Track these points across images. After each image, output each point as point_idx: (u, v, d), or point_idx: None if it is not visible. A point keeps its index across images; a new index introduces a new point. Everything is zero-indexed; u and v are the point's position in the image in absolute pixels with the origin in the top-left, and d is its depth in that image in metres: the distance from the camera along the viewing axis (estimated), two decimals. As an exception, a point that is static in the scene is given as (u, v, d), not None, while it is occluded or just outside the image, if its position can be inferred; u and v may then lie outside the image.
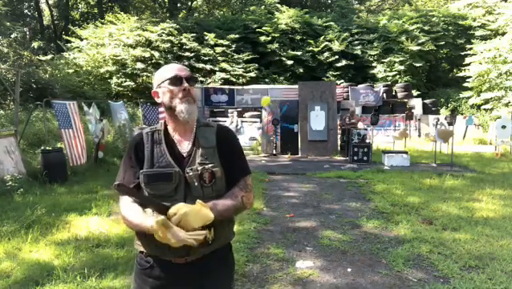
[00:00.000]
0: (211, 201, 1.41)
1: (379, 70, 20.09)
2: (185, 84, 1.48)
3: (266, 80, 19.71)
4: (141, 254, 1.53)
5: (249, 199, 1.55)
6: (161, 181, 1.44)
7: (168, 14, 26.23)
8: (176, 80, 1.49)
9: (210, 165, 1.46)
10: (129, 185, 1.48)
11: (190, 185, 1.45)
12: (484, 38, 19.62)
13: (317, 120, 11.56)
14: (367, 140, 10.24)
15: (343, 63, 20.01)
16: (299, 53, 20.31)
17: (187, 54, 19.71)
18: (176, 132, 1.54)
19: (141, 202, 1.42)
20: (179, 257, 1.44)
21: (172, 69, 1.52)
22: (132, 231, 1.56)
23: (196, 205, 1.35)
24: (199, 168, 1.45)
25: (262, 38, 20.64)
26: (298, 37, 21.20)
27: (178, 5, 29.64)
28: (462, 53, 19.53)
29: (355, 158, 10.00)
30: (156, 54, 19.25)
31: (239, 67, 19.47)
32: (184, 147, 1.52)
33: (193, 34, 20.30)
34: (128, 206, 1.47)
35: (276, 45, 20.51)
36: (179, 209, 1.33)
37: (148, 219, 1.37)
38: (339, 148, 11.64)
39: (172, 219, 1.31)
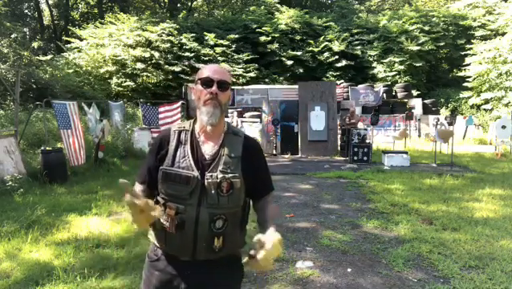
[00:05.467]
0: (270, 224, 1.46)
1: (379, 70, 20.09)
2: (214, 88, 1.45)
3: (266, 80, 19.71)
4: (153, 246, 1.56)
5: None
6: (178, 183, 1.43)
7: (168, 14, 26.22)
8: (206, 82, 1.47)
9: (231, 175, 1.44)
10: (149, 185, 1.54)
11: (207, 192, 1.42)
12: (484, 38, 19.60)
13: (317, 120, 11.56)
14: (367, 140, 10.24)
15: (343, 63, 20.01)
16: (299, 53, 20.31)
17: (187, 54, 19.71)
18: (202, 133, 1.52)
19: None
20: (185, 256, 1.45)
21: (209, 69, 1.49)
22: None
23: (277, 238, 1.36)
24: (219, 176, 1.43)
25: (262, 38, 20.63)
26: (298, 37, 21.19)
27: (178, 5, 29.64)
28: (462, 53, 19.52)
29: (355, 158, 10.00)
30: (156, 54, 19.26)
31: (239, 67, 19.47)
32: (208, 149, 1.49)
33: (192, 34, 20.29)
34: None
35: (276, 45, 20.51)
36: (273, 249, 1.34)
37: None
38: (339, 148, 11.63)
39: (265, 252, 1.33)
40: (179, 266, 1.47)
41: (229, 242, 1.47)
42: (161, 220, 1.44)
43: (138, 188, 1.53)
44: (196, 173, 1.43)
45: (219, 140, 1.51)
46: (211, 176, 1.43)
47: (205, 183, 1.42)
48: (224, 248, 1.45)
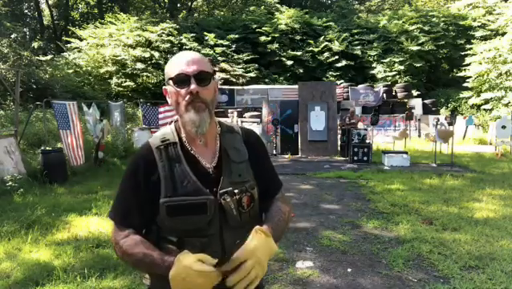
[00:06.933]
0: (265, 225, 1.15)
1: (379, 70, 20.11)
2: (193, 86, 1.11)
3: (266, 80, 19.73)
4: None
5: (290, 214, 1.31)
6: (192, 214, 1.11)
7: (168, 14, 26.24)
8: (180, 80, 1.13)
9: (248, 185, 1.18)
10: (138, 227, 1.18)
11: (226, 213, 1.14)
12: (484, 38, 19.63)
13: (317, 120, 11.56)
14: (367, 141, 10.24)
15: (343, 63, 20.03)
16: (299, 53, 20.33)
17: (187, 54, 19.71)
18: (192, 144, 1.20)
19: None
20: None
21: (180, 63, 1.14)
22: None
23: (258, 234, 1.08)
24: (235, 190, 1.15)
25: (262, 38, 20.67)
26: (298, 37, 21.21)
27: (178, 5, 29.66)
28: (462, 53, 19.54)
29: (355, 158, 10.00)
30: (156, 54, 19.27)
31: (239, 67, 19.49)
32: (208, 160, 1.19)
33: (192, 34, 20.32)
34: (132, 237, 1.15)
35: (276, 45, 20.53)
36: (247, 250, 1.04)
37: (166, 256, 1.06)
38: (339, 148, 11.64)
39: (244, 266, 1.02)
40: None
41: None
42: None
43: (122, 234, 1.15)
44: (211, 196, 1.13)
45: (216, 145, 1.22)
46: (226, 192, 1.14)
47: (223, 204, 1.14)
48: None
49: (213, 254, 1.07)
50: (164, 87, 1.22)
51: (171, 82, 1.15)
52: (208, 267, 1.00)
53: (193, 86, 1.11)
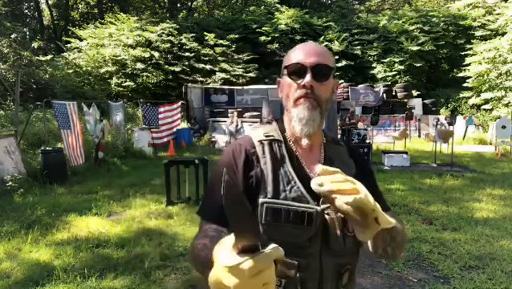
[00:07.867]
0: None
1: (379, 70, 20.12)
2: (308, 78, 0.97)
3: (266, 80, 19.71)
4: None
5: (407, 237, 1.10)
6: (294, 223, 0.94)
7: (168, 14, 26.24)
8: (296, 70, 0.99)
9: None
10: (216, 216, 0.94)
11: (329, 233, 0.96)
12: (484, 38, 19.62)
13: (317, 120, 11.56)
14: (367, 141, 10.24)
15: (343, 63, 20.03)
16: (299, 53, 20.33)
17: (187, 54, 19.73)
18: (296, 145, 1.05)
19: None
20: None
21: (299, 52, 1.01)
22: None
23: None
24: None
25: (262, 38, 20.67)
26: (298, 37, 21.20)
27: (178, 5, 29.65)
28: (462, 53, 19.55)
29: (355, 158, 9.99)
30: (156, 54, 19.26)
31: (239, 67, 19.49)
32: (311, 167, 1.03)
33: (192, 35, 20.31)
34: (207, 232, 0.93)
35: (276, 45, 20.53)
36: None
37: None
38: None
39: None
40: None
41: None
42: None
43: (201, 229, 0.98)
44: (318, 207, 0.95)
45: (320, 153, 1.06)
46: (329, 207, 0.95)
47: (327, 219, 0.96)
48: None
49: (309, 279, 0.92)
50: (278, 79, 1.09)
51: (285, 71, 1.02)
52: (235, 258, 0.60)
53: (307, 78, 0.97)
